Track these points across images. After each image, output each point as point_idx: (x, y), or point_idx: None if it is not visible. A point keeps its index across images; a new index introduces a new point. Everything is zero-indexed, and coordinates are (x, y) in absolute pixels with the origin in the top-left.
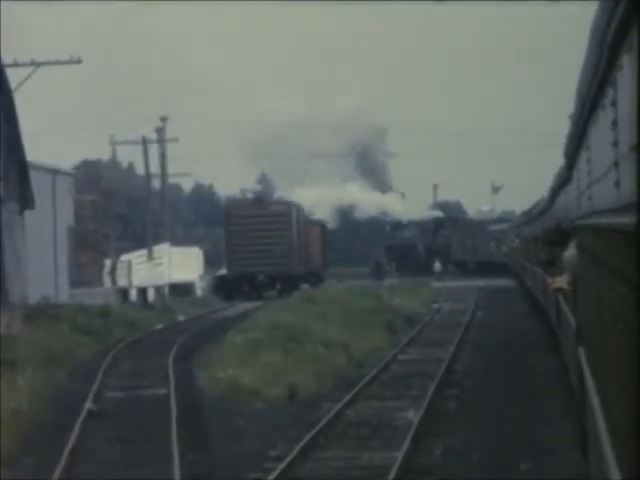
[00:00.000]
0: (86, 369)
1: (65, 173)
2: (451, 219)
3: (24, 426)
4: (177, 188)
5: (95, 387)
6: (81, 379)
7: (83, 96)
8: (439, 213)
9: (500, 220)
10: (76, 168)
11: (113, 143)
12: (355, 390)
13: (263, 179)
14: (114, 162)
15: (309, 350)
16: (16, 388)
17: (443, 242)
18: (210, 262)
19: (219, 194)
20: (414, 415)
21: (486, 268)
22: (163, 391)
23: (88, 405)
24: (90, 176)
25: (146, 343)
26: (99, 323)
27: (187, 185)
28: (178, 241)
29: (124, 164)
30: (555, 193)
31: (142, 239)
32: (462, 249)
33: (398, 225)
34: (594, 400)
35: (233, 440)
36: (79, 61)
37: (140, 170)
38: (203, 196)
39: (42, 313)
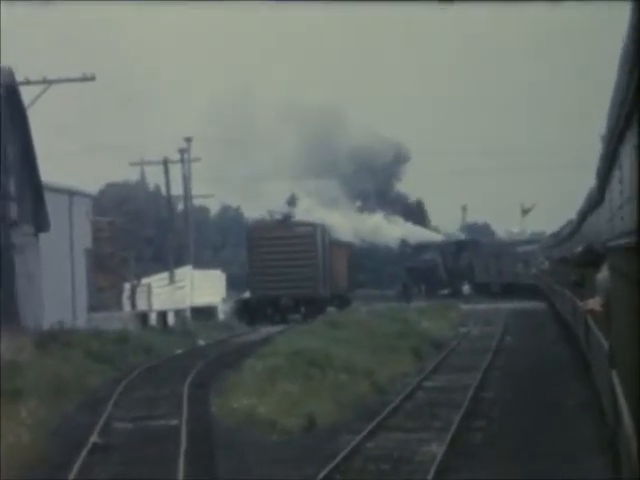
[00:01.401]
0: (96, 398)
1: (82, 194)
2: (473, 241)
3: (21, 461)
4: (203, 210)
5: (103, 418)
6: (89, 409)
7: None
8: (460, 235)
9: (528, 242)
10: (102, 191)
11: (134, 164)
12: (377, 420)
13: (292, 200)
14: (142, 184)
15: (330, 377)
16: (18, 419)
17: (465, 264)
18: (237, 286)
19: (247, 216)
20: (438, 449)
21: (512, 290)
22: (174, 422)
23: (93, 438)
24: (118, 198)
25: (162, 370)
26: (115, 349)
27: (214, 207)
28: (204, 264)
29: (151, 186)
30: (586, 214)
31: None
32: (486, 271)
33: (419, 247)
34: (628, 425)
35: (244, 476)
36: (93, 78)
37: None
38: (230, 218)
39: (55, 339)
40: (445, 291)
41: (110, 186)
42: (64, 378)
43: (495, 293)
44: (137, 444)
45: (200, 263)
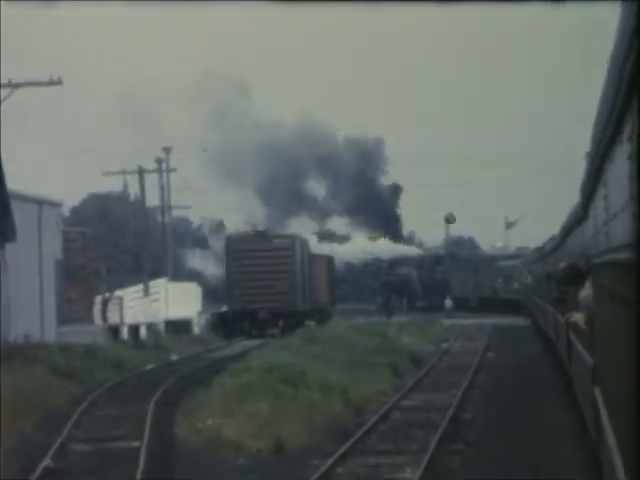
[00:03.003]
0: (57, 417)
1: (52, 204)
2: (450, 255)
3: None
4: (186, 222)
5: (60, 439)
6: (48, 429)
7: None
8: (440, 249)
9: (508, 256)
10: (84, 201)
11: (107, 173)
12: (349, 443)
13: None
14: (124, 194)
15: (303, 396)
16: None
17: (441, 278)
18: (218, 298)
19: (229, 228)
20: (412, 474)
21: (490, 305)
22: (135, 444)
23: (45, 462)
24: (99, 209)
25: (130, 386)
26: (81, 364)
27: (197, 219)
28: (184, 277)
29: (133, 197)
30: (569, 230)
31: (149, 273)
32: (462, 285)
33: (395, 261)
34: (610, 439)
35: None
36: (59, 82)
37: (149, 202)
38: (211, 230)
39: (19, 353)
40: (420, 304)
41: (92, 196)
42: (25, 396)
43: (472, 308)
44: (92, 468)
45: (180, 275)
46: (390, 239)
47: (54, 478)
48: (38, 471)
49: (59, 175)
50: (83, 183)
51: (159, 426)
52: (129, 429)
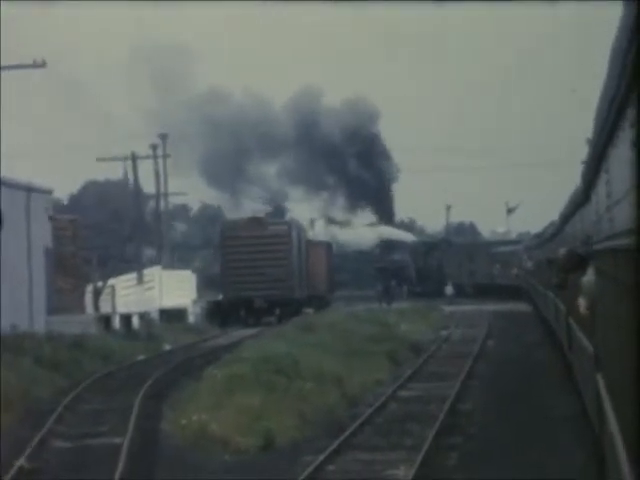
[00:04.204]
0: (40, 412)
1: (41, 190)
2: (445, 241)
3: None
4: (184, 209)
5: (40, 436)
6: (29, 425)
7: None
8: (440, 235)
9: (507, 242)
10: (83, 188)
11: (100, 159)
12: (343, 437)
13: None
14: (125, 181)
15: (297, 387)
16: None
17: (435, 264)
18: (216, 286)
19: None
20: (406, 472)
21: (487, 291)
22: (118, 440)
23: (20, 461)
24: (98, 196)
25: (118, 378)
26: (69, 355)
27: (196, 206)
28: (181, 265)
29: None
30: (569, 216)
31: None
32: (458, 271)
33: (388, 247)
34: (613, 427)
35: None
36: (44, 64)
37: (148, 189)
38: (210, 217)
39: (5, 344)
40: (415, 290)
41: (91, 184)
42: (8, 389)
43: (467, 294)
44: (70, 467)
45: (178, 264)
46: (381, 221)
47: (28, 478)
48: (12, 472)
49: (57, 162)
50: (81, 170)
51: (144, 421)
52: (113, 424)
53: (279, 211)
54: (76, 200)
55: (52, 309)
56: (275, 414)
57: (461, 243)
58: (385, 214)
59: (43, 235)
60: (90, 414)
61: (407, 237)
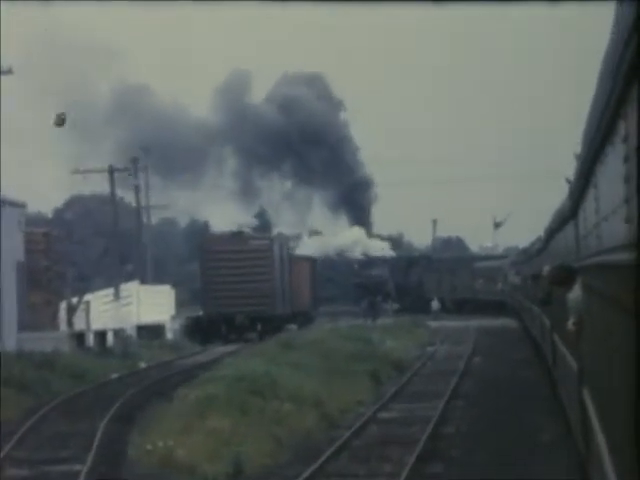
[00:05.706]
0: (2, 434)
1: (13, 204)
2: (424, 257)
3: None
4: (172, 223)
5: None
6: None
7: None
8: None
9: (492, 257)
10: (66, 203)
11: (76, 172)
12: (317, 464)
13: (261, 215)
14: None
15: (273, 408)
16: None
17: (415, 280)
18: (194, 302)
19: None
20: None
21: (469, 307)
22: (78, 467)
23: None
24: (82, 211)
25: (87, 399)
26: (38, 375)
27: (184, 220)
28: (167, 280)
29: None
30: (555, 232)
31: (128, 276)
32: (438, 287)
33: (367, 262)
34: (600, 441)
35: None
36: (9, 71)
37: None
38: (197, 232)
39: None
40: (395, 306)
41: (75, 198)
42: None
43: (448, 309)
44: None
45: (163, 279)
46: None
47: None
48: None
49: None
50: (66, 184)
51: (109, 446)
52: (76, 450)
53: (266, 226)
54: (60, 214)
55: (24, 325)
56: (247, 438)
57: (442, 258)
58: (361, 222)
59: (15, 248)
60: (53, 438)
61: (386, 252)
